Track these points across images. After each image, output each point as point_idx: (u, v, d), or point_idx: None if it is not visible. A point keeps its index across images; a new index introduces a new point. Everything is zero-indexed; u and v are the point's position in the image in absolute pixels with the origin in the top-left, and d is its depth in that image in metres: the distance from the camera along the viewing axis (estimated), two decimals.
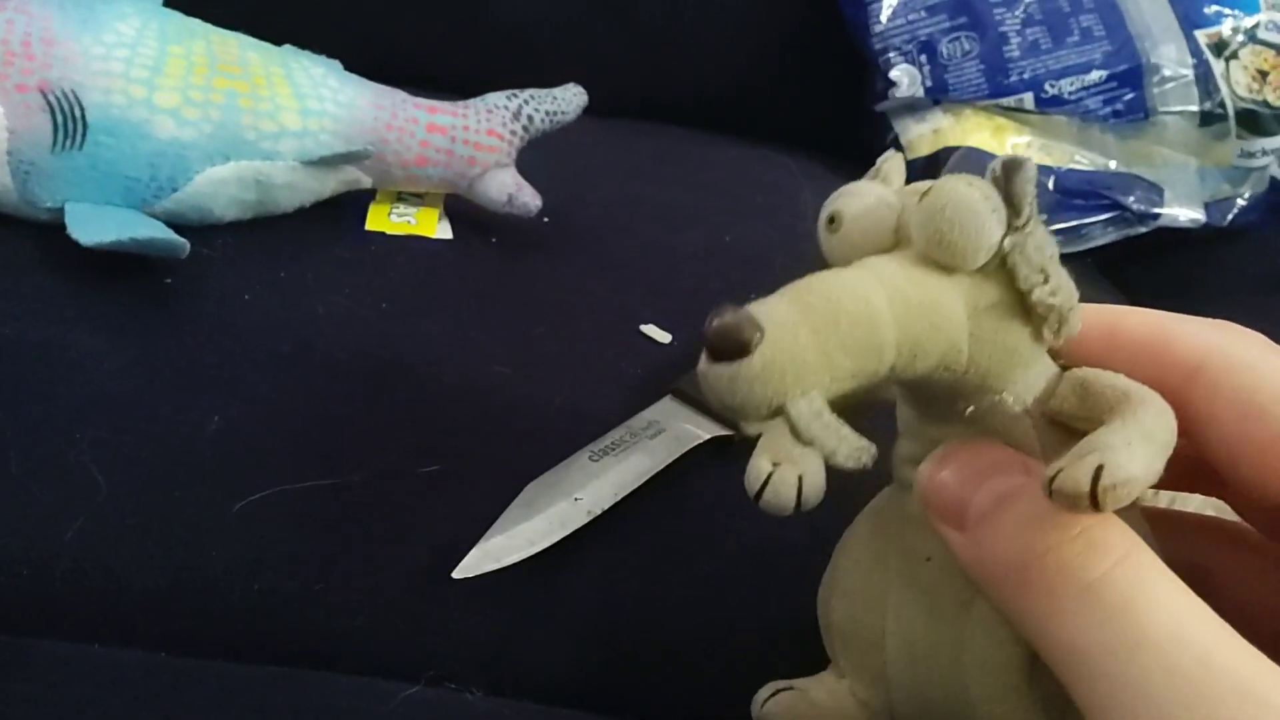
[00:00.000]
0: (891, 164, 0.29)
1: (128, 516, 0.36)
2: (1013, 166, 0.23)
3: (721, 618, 0.38)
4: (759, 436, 0.35)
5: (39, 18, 0.46)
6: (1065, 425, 0.26)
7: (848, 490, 0.43)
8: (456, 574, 0.35)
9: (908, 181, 0.29)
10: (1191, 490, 0.29)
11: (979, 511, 0.24)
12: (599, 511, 0.38)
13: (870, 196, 0.26)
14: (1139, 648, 0.21)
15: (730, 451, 0.43)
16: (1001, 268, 0.24)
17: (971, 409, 0.26)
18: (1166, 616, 0.21)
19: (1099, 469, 0.21)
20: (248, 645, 0.35)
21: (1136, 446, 0.22)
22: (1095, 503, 0.21)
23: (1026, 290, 0.24)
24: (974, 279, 0.24)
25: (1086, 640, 0.22)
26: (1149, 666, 0.21)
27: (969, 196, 0.23)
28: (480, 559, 0.35)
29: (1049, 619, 0.22)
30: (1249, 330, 0.27)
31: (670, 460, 0.41)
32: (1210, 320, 0.27)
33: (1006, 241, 0.24)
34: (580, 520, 0.38)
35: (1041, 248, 0.24)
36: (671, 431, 0.43)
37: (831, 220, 0.26)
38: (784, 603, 0.39)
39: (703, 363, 0.22)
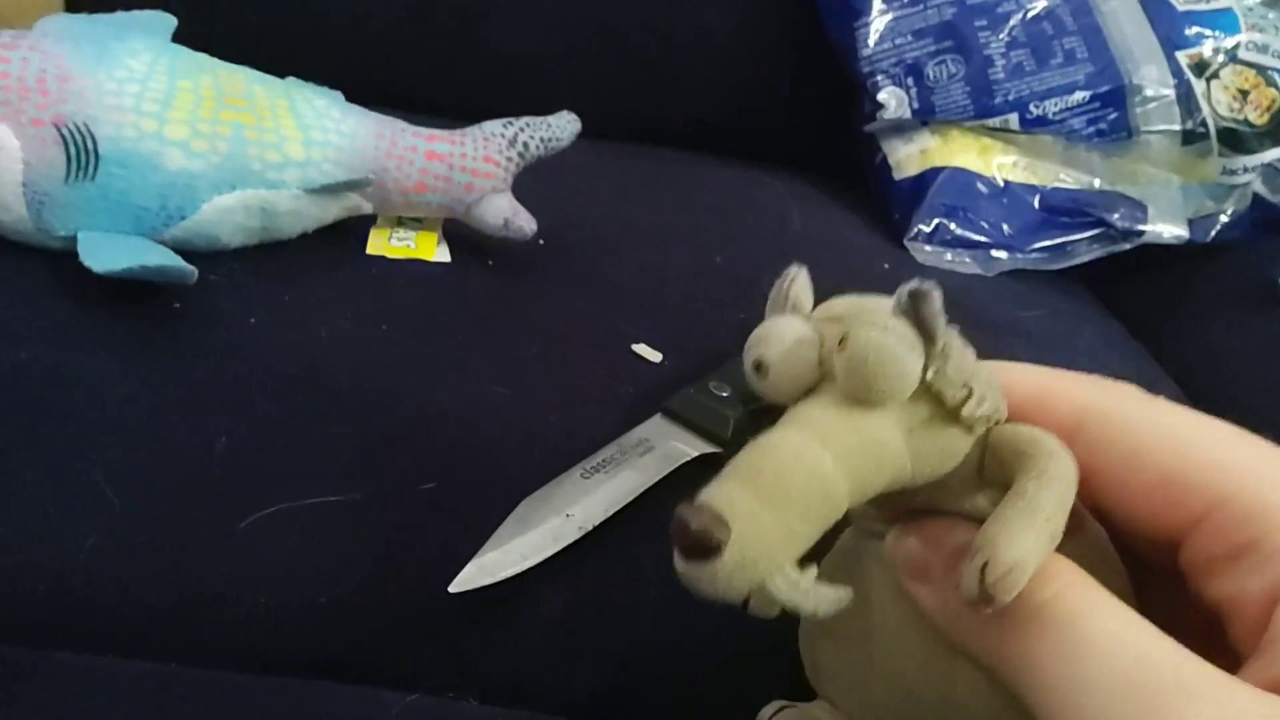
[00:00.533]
0: (797, 285, 0.30)
1: (139, 533, 0.38)
2: (919, 297, 0.25)
3: (708, 630, 0.39)
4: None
5: (54, 55, 0.47)
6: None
7: None
8: (453, 587, 0.36)
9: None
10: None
11: (941, 567, 0.27)
12: (590, 527, 0.40)
13: (789, 338, 0.27)
14: (1083, 652, 0.24)
15: (717, 468, 0.44)
16: (926, 389, 0.26)
17: (921, 495, 0.28)
18: (1106, 624, 0.24)
19: (984, 567, 0.24)
20: (253, 656, 0.36)
21: (1016, 530, 0.24)
22: (990, 599, 0.24)
23: (954, 408, 0.26)
24: (903, 405, 0.26)
25: (1037, 653, 0.24)
26: (1093, 667, 0.23)
27: (887, 344, 0.25)
28: (476, 573, 0.37)
29: (1005, 641, 0.25)
30: (1121, 383, 0.29)
31: (659, 477, 0.43)
32: (1086, 376, 0.29)
33: (928, 371, 0.26)
34: (572, 535, 0.39)
35: (960, 367, 0.26)
36: (661, 449, 0.44)
37: (758, 367, 0.28)
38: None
39: (679, 561, 0.24)
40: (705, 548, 0.23)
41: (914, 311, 0.25)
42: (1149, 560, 0.28)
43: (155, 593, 0.37)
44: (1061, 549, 0.25)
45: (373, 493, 0.41)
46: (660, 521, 0.42)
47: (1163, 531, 0.27)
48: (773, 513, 0.24)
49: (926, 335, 0.25)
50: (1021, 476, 0.25)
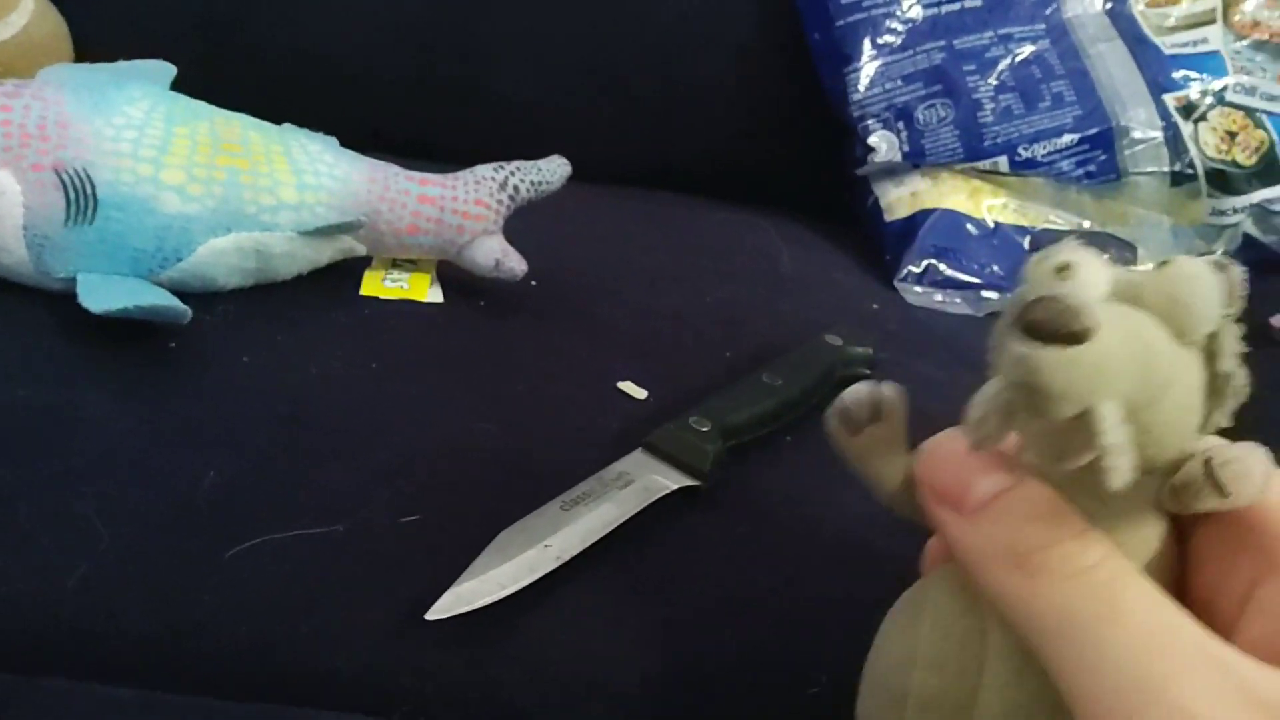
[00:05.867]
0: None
1: (127, 565, 0.39)
2: (1225, 265, 0.26)
3: (682, 658, 0.40)
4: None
5: (54, 102, 0.49)
6: None
7: (802, 536, 0.45)
8: (430, 615, 0.37)
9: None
10: None
11: (980, 498, 0.27)
12: (567, 557, 0.40)
13: (1098, 258, 0.27)
14: (1120, 615, 0.25)
15: (696, 501, 0.45)
16: (1203, 350, 0.26)
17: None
18: (1143, 596, 0.25)
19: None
20: (235, 683, 0.37)
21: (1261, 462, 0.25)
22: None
23: (1227, 371, 0.26)
24: (1186, 352, 0.26)
25: (1074, 610, 0.25)
26: (1129, 630, 0.24)
27: (1210, 273, 0.26)
28: (453, 601, 0.37)
29: (1041, 594, 0.26)
30: None
31: (638, 509, 0.43)
32: None
33: (1220, 325, 0.26)
34: (549, 565, 0.40)
35: (1239, 338, 0.27)
36: (640, 482, 0.45)
37: (1061, 269, 0.27)
38: (745, 645, 0.41)
39: (1019, 343, 0.23)
40: (1066, 332, 0.23)
41: (1218, 273, 0.26)
42: None
43: (141, 621, 0.38)
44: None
45: (355, 525, 0.41)
46: (637, 552, 0.43)
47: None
48: (1133, 343, 0.24)
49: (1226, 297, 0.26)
50: None
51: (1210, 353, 0.26)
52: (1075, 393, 0.23)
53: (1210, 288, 0.26)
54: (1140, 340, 0.25)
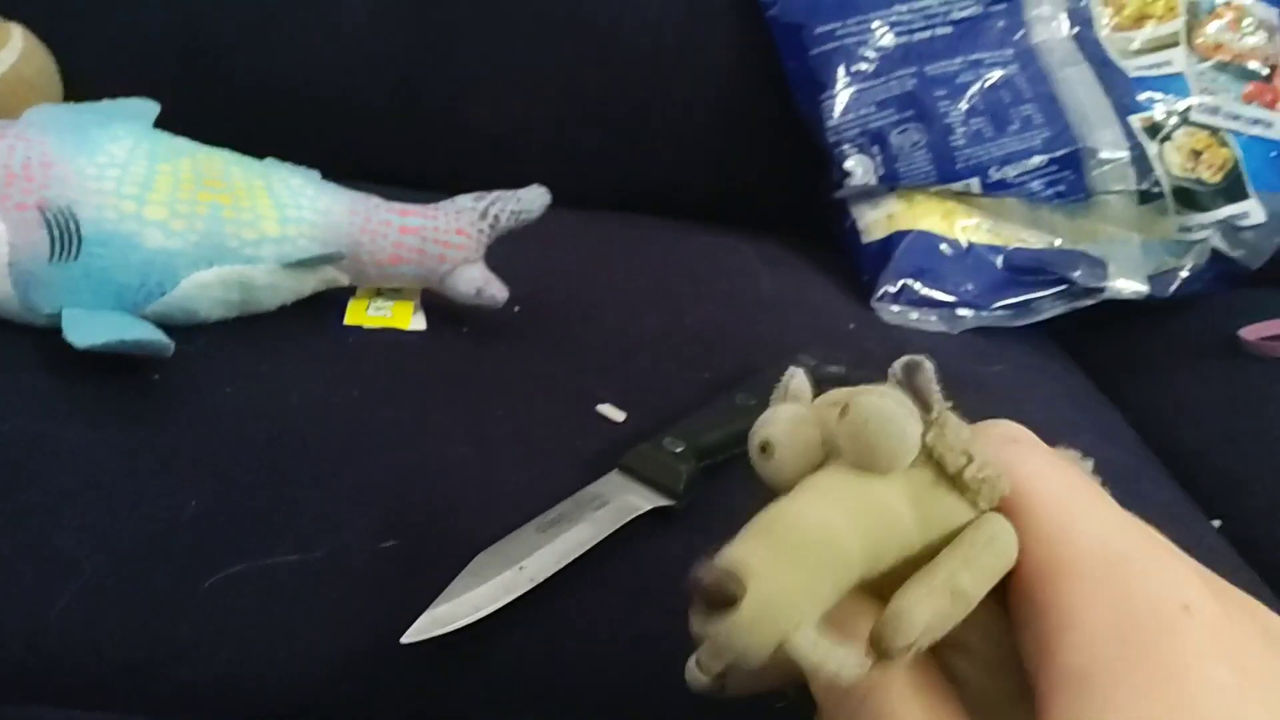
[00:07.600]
0: (797, 382, 0.31)
1: (109, 594, 0.40)
2: (912, 367, 0.26)
3: (655, 678, 0.41)
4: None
5: (38, 143, 0.50)
6: None
7: None
8: (405, 639, 0.38)
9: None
10: None
11: None
12: (542, 578, 0.41)
13: (793, 420, 0.28)
14: None
15: (670, 521, 0.46)
16: (928, 457, 0.27)
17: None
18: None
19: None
20: (216, 709, 0.38)
21: (920, 602, 0.25)
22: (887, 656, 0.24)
23: (955, 473, 0.26)
24: (907, 472, 0.26)
25: None
26: None
27: (885, 408, 0.25)
28: (429, 624, 0.38)
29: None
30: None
31: (612, 530, 0.44)
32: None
33: (927, 436, 0.26)
34: (524, 587, 0.41)
35: (958, 432, 0.27)
36: (615, 503, 0.46)
37: (764, 448, 0.28)
38: None
39: (697, 621, 0.24)
40: (721, 600, 0.23)
41: (909, 382, 0.26)
42: None
43: (122, 650, 0.38)
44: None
45: (333, 551, 0.42)
46: (611, 572, 0.44)
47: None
48: (791, 568, 0.24)
49: (923, 404, 0.26)
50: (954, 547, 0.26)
51: (936, 459, 0.26)
52: (756, 641, 0.23)
53: (891, 422, 0.25)
54: (814, 544, 0.24)
